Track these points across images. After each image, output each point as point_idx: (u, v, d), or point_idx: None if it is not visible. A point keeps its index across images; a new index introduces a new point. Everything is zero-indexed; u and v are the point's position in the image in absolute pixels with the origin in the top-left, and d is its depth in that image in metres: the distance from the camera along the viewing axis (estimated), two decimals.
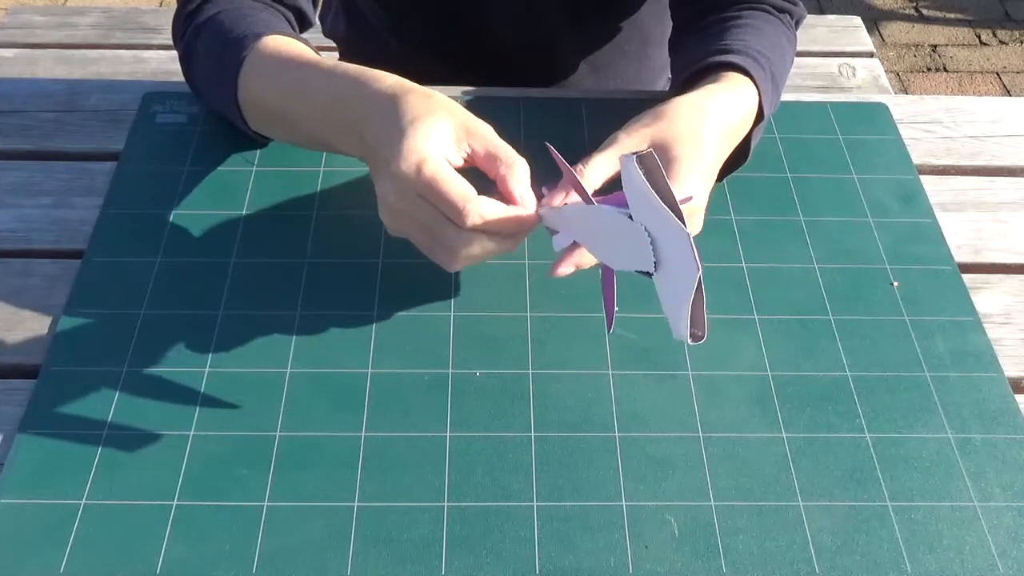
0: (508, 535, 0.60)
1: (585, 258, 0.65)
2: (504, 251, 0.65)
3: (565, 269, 0.65)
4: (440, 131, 0.64)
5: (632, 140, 0.68)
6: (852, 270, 0.77)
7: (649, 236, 0.56)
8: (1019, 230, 0.83)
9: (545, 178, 0.67)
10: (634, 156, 0.54)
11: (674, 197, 0.54)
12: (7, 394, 0.67)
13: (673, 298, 0.56)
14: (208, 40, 0.80)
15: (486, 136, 0.66)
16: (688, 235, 0.53)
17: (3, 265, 0.76)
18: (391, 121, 0.65)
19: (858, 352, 0.71)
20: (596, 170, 0.66)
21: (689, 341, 0.56)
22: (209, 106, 0.85)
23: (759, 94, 0.76)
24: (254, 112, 0.78)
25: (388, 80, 0.69)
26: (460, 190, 0.62)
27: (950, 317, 0.74)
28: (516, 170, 0.65)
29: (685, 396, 0.68)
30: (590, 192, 0.62)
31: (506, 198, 0.64)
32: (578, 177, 0.62)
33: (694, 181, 0.67)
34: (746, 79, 0.76)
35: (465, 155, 0.66)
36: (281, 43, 0.77)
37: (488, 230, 0.63)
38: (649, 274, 0.58)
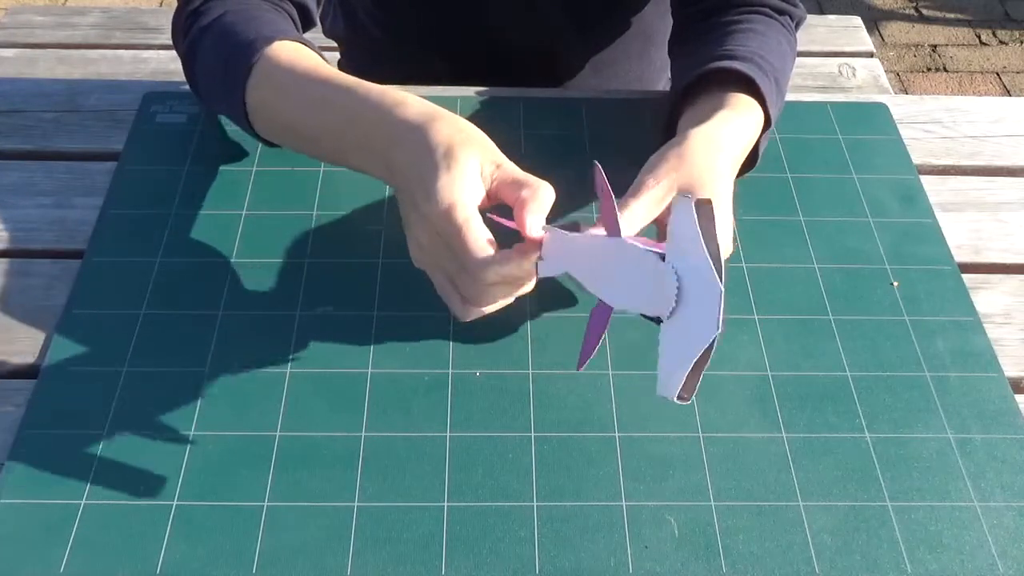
0: (508, 535, 0.60)
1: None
2: (517, 295, 0.64)
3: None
4: (472, 169, 0.62)
5: (661, 186, 0.67)
6: (852, 270, 0.77)
7: (677, 282, 0.55)
8: (1019, 230, 0.83)
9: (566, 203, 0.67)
10: (692, 200, 0.53)
11: (719, 251, 0.53)
12: (7, 394, 0.67)
13: (674, 352, 0.55)
14: (213, 44, 0.78)
15: (514, 172, 0.64)
16: (721, 293, 0.53)
17: (3, 265, 0.76)
18: (422, 154, 0.63)
19: (858, 352, 0.71)
20: (636, 216, 0.65)
21: (674, 400, 0.55)
22: (215, 111, 0.84)
23: (766, 104, 0.76)
24: (264, 122, 0.76)
25: (415, 107, 0.66)
26: (482, 246, 0.60)
27: (950, 317, 0.74)
28: (539, 195, 0.62)
29: None
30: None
31: (518, 222, 0.63)
32: (616, 207, 0.60)
33: (726, 213, 0.68)
34: (753, 99, 0.76)
35: (490, 189, 0.64)
36: (293, 51, 0.74)
37: (503, 280, 0.61)
38: (658, 320, 0.57)
